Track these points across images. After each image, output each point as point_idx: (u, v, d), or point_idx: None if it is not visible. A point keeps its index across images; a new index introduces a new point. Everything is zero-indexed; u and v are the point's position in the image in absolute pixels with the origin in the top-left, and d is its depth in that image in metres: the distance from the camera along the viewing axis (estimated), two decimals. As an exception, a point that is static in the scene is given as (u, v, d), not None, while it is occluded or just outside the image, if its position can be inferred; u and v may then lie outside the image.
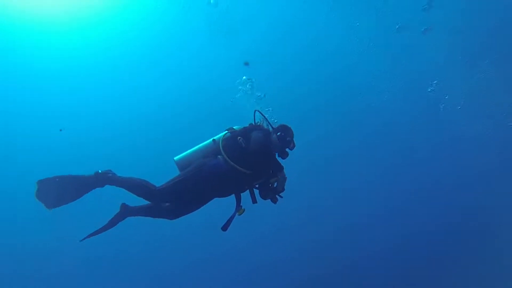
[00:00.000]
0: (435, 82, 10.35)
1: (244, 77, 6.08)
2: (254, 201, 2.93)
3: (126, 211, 2.87)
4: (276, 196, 2.92)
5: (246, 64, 9.03)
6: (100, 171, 2.74)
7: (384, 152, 12.56)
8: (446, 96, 10.83)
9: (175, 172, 2.85)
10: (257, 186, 2.95)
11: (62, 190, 2.62)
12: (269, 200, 2.94)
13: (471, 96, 10.71)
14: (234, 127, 3.00)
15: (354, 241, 12.42)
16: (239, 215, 2.80)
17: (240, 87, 6.41)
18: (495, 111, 11.02)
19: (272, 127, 3.02)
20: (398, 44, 10.13)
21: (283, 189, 2.92)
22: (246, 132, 2.91)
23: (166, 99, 11.77)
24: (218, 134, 2.97)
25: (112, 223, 2.86)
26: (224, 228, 2.80)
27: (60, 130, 10.55)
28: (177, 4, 8.60)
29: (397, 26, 10.13)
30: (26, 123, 10.78)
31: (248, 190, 2.94)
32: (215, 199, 2.93)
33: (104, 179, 2.71)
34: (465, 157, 11.98)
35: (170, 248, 11.56)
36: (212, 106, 11.43)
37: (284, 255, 12.05)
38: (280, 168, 2.92)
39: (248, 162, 2.72)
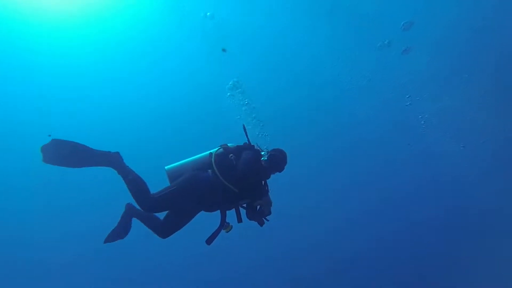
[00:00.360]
0: (408, 96, 11.12)
1: (231, 82, 6.41)
2: (239, 220, 2.95)
3: (131, 211, 2.93)
4: (263, 218, 2.94)
5: (224, 50, 9.23)
6: (111, 152, 2.77)
7: (362, 162, 13.24)
8: (425, 114, 11.54)
9: (161, 180, 2.86)
10: (244, 206, 2.96)
11: (68, 153, 2.61)
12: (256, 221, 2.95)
13: (446, 113, 11.48)
14: (228, 144, 3.03)
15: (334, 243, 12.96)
16: (227, 232, 2.83)
17: (229, 93, 6.78)
18: (470, 129, 11.86)
19: (249, 142, 3.07)
20: (379, 61, 10.81)
21: (269, 213, 2.94)
22: (238, 150, 2.95)
23: (154, 106, 11.98)
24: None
25: (123, 226, 2.90)
26: (208, 242, 2.83)
27: (49, 135, 10.71)
28: (174, 16, 9.13)
29: (378, 44, 10.85)
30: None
31: (234, 208, 2.95)
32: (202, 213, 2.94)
33: (110, 160, 2.70)
34: (436, 170, 12.77)
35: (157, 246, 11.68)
36: (201, 115, 11.83)
37: (271, 255, 12.40)
38: (265, 192, 2.94)
39: (236, 180, 2.76)
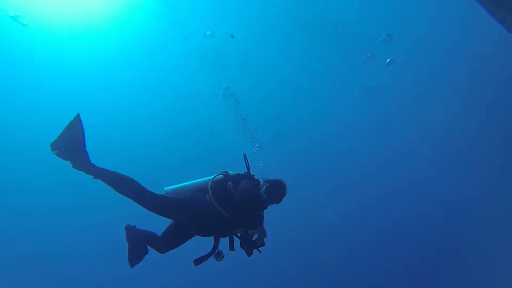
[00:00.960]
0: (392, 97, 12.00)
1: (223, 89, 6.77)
2: (232, 248, 2.92)
3: (131, 230, 2.92)
4: (253, 250, 2.91)
5: (232, 36, 9.76)
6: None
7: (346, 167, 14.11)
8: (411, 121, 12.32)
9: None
10: (238, 235, 2.98)
11: (72, 140, 2.46)
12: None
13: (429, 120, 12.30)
14: (229, 172, 3.06)
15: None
16: (218, 260, 2.80)
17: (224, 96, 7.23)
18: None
19: (249, 171, 3.10)
20: (365, 73, 11.55)
21: (262, 244, 2.93)
22: (238, 179, 2.98)
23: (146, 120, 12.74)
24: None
25: (138, 247, 2.89)
26: (196, 263, 2.80)
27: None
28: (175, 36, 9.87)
29: (368, 55, 11.67)
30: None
31: (228, 236, 2.95)
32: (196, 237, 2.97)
33: (83, 160, 2.50)
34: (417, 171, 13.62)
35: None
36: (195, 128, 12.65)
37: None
38: (259, 223, 2.94)
39: (231, 209, 2.76)
